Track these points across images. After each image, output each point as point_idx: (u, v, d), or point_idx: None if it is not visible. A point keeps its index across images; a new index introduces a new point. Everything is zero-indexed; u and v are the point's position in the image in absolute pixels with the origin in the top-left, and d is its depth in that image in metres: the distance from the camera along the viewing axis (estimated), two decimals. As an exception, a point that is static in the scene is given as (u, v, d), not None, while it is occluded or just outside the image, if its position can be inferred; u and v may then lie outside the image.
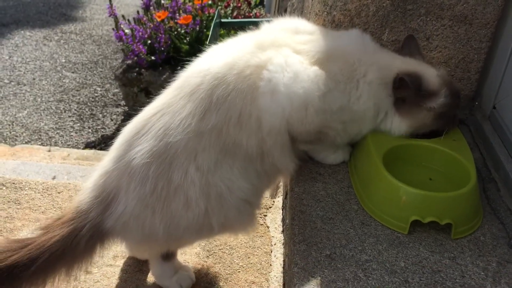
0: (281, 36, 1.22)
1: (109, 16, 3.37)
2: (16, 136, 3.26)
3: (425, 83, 1.21)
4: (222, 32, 3.04)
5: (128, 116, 3.57)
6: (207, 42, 2.62)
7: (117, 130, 3.43)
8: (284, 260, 1.47)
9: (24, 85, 3.83)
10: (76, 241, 1.11)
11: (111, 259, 1.43)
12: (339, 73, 1.17)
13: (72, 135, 3.38)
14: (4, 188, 1.65)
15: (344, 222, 1.16)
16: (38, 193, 1.63)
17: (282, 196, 1.74)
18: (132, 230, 1.13)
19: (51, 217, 1.17)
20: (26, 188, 1.65)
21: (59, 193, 1.64)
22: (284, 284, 1.39)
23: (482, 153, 1.40)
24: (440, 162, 1.24)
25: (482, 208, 1.21)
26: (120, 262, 1.42)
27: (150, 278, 1.38)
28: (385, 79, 1.21)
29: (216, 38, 2.72)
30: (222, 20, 3.02)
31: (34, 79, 3.92)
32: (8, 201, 1.59)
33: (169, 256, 1.30)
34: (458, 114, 1.30)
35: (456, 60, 1.42)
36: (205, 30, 3.28)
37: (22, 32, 4.65)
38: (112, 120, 3.58)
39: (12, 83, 3.83)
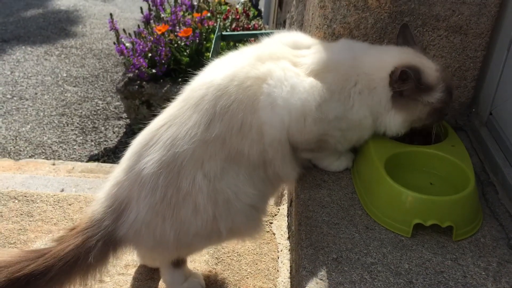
0: (279, 49, 1.27)
1: (110, 30, 3.43)
2: (20, 150, 3.29)
3: (424, 76, 1.23)
4: (222, 44, 3.10)
5: (130, 128, 3.62)
6: (210, 55, 2.68)
7: (120, 143, 3.47)
8: (291, 266, 1.51)
9: (27, 99, 3.87)
10: (90, 250, 1.16)
11: (123, 268, 1.47)
12: (333, 83, 1.22)
13: (75, 148, 3.41)
14: (16, 201, 1.69)
15: (349, 227, 1.20)
16: (50, 205, 1.67)
17: (287, 204, 1.78)
18: (144, 237, 1.18)
19: (65, 228, 1.21)
20: (38, 201, 1.69)
21: (70, 205, 1.68)
22: (291, 289, 1.43)
23: (480, 158, 1.45)
24: (440, 167, 1.29)
25: (482, 210, 1.26)
26: (132, 271, 1.46)
27: (161, 285, 1.42)
28: (374, 82, 1.24)
29: (218, 51, 2.78)
30: (223, 33, 3.08)
31: (36, 93, 3.97)
32: (21, 214, 1.63)
33: (179, 263, 1.34)
34: (448, 110, 1.32)
35: (453, 68, 1.47)
36: (204, 42, 3.34)
37: (23, 47, 4.70)
38: (114, 132, 3.62)
39: (15, 98, 3.88)
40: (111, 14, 3.50)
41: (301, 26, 1.84)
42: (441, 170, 1.29)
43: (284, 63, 1.21)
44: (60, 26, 5.25)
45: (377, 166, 1.23)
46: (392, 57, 1.27)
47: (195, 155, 1.14)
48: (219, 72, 1.21)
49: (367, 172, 1.28)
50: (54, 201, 1.70)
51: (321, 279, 1.07)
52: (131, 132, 3.48)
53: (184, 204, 1.14)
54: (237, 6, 4.28)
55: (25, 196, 1.71)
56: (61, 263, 1.13)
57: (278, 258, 1.55)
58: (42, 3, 5.89)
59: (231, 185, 1.16)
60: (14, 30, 5.07)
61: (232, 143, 1.15)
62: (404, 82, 1.22)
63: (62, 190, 1.90)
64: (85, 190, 1.96)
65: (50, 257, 1.13)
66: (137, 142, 1.23)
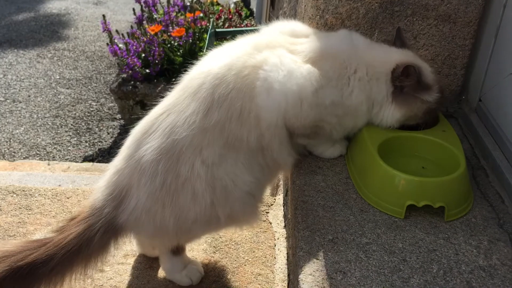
0: (276, 38, 1.30)
1: (103, 31, 3.44)
2: (14, 152, 3.29)
3: (423, 76, 1.29)
4: (215, 43, 3.13)
5: (124, 129, 3.62)
6: (204, 50, 2.70)
7: (114, 143, 3.48)
8: (287, 253, 1.54)
9: (20, 102, 3.87)
10: (92, 237, 1.17)
11: (122, 257, 1.49)
12: (330, 70, 1.25)
13: (69, 150, 3.42)
14: (14, 195, 1.70)
15: (344, 210, 1.23)
16: (48, 199, 1.69)
17: (282, 194, 1.81)
18: (144, 224, 1.20)
19: (65, 218, 1.22)
20: (36, 195, 1.70)
21: (68, 198, 1.69)
22: (288, 275, 1.46)
23: (470, 143, 1.49)
24: (432, 151, 1.33)
25: (473, 193, 1.29)
26: (131, 260, 1.48)
27: (161, 273, 1.44)
28: (377, 74, 1.29)
29: (212, 47, 2.80)
30: (217, 30, 3.11)
31: (29, 96, 3.97)
32: (20, 207, 1.64)
33: (178, 251, 1.37)
34: (438, 112, 1.39)
35: (443, 57, 1.51)
36: (197, 42, 3.37)
37: (15, 50, 4.69)
38: (108, 133, 3.63)
39: (8, 100, 3.87)
40: (103, 16, 3.52)
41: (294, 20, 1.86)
42: (433, 154, 1.33)
43: (280, 51, 1.24)
44: (52, 29, 5.25)
45: (371, 150, 1.26)
46: (395, 55, 1.32)
47: (194, 142, 1.16)
48: (217, 61, 1.24)
49: (361, 157, 1.32)
50: (52, 195, 1.71)
51: (317, 259, 1.09)
52: (126, 132, 3.47)
53: (183, 190, 1.16)
54: (231, 6, 4.31)
55: (23, 191, 1.72)
56: (63, 252, 1.15)
57: (275, 246, 1.58)
58: (33, 7, 5.89)
59: (229, 172, 1.18)
60: (6, 33, 5.07)
61: (231, 130, 1.18)
62: (407, 78, 1.27)
63: (59, 186, 1.91)
64: (82, 186, 1.97)
65: (52, 246, 1.15)
66: (136, 131, 1.25)
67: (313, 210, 1.22)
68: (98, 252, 1.21)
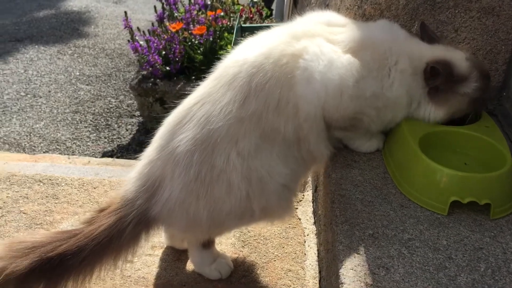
0: (314, 27, 1.27)
1: (125, 28, 3.44)
2: (34, 146, 3.30)
3: (456, 68, 1.24)
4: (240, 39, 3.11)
5: (142, 126, 3.62)
6: (232, 44, 2.68)
7: (133, 140, 3.48)
8: (318, 249, 1.50)
9: (40, 97, 3.89)
10: (123, 229, 1.15)
11: (150, 249, 1.46)
12: (371, 61, 1.21)
13: (89, 145, 3.42)
14: (41, 184, 1.69)
15: (383, 205, 1.18)
16: (75, 188, 1.67)
17: (311, 190, 1.77)
18: (177, 216, 1.16)
19: (93, 210, 1.20)
20: (63, 184, 1.69)
21: (94, 188, 1.67)
22: (320, 271, 1.42)
23: None
24: (475, 147, 1.27)
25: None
26: (159, 252, 1.45)
27: (189, 266, 1.41)
28: (416, 69, 1.25)
29: (238, 42, 2.79)
30: (242, 25, 3.09)
31: (49, 91, 3.99)
32: (46, 196, 1.63)
33: (208, 244, 1.33)
34: (488, 96, 1.32)
35: (484, 51, 1.46)
36: (218, 40, 3.35)
37: (36, 46, 4.73)
38: (127, 130, 3.62)
39: (28, 95, 3.90)
40: (125, 12, 3.52)
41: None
42: (476, 150, 1.28)
43: (319, 40, 1.20)
44: (73, 26, 5.28)
45: (411, 144, 1.21)
46: (425, 51, 1.27)
47: (229, 132, 1.12)
48: (253, 50, 1.21)
49: (401, 151, 1.27)
50: (79, 184, 1.69)
51: (358, 253, 1.05)
52: (144, 129, 3.49)
53: (218, 182, 1.13)
54: (250, 5, 4.29)
55: (50, 180, 1.71)
56: (94, 243, 1.12)
57: (305, 242, 1.54)
58: (54, 4, 5.95)
59: (265, 164, 1.15)
60: (27, 30, 5.11)
61: (268, 120, 1.14)
62: (436, 78, 1.22)
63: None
64: (106, 178, 1.95)
65: (83, 237, 1.13)
66: (169, 121, 1.22)
67: (351, 204, 1.18)
68: (129, 244, 1.18)
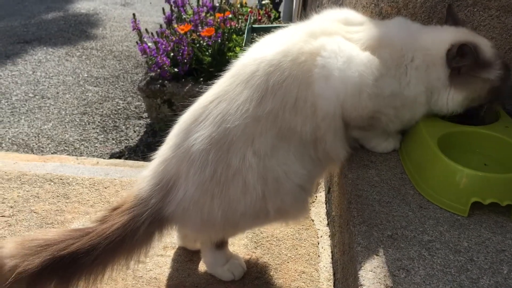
0: (331, 25, 1.25)
1: (133, 30, 3.44)
2: (43, 147, 3.30)
3: (482, 53, 1.20)
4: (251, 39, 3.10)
5: (150, 128, 3.61)
6: (244, 44, 2.67)
7: (140, 141, 3.47)
8: (332, 251, 1.47)
9: (48, 98, 3.90)
10: (137, 228, 1.13)
11: (162, 249, 1.44)
12: (390, 59, 1.19)
13: (96, 146, 3.42)
14: (52, 183, 1.68)
15: (401, 206, 1.16)
16: (85, 188, 1.65)
17: (324, 191, 1.74)
18: (191, 216, 1.15)
19: (107, 208, 1.18)
20: (73, 184, 1.67)
21: (105, 188, 1.66)
22: (334, 274, 1.39)
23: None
24: (494, 148, 1.25)
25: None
26: (171, 253, 1.43)
27: (201, 267, 1.39)
28: (433, 58, 1.22)
29: (250, 42, 2.78)
30: (253, 26, 3.09)
31: (57, 93, 3.99)
32: (57, 196, 1.61)
33: (221, 244, 1.32)
34: (506, 89, 1.28)
35: (503, 50, 1.43)
36: (226, 42, 3.34)
37: (44, 48, 4.75)
38: (135, 131, 3.62)
39: (37, 97, 3.90)
40: (134, 14, 3.52)
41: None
42: (495, 151, 1.25)
43: (337, 38, 1.18)
44: (81, 29, 5.30)
45: (430, 144, 1.19)
46: (448, 35, 1.24)
47: (246, 131, 1.10)
48: (270, 48, 1.19)
49: (419, 151, 1.25)
50: (90, 184, 1.68)
51: (377, 255, 1.03)
52: (152, 131, 3.49)
53: (233, 181, 1.11)
54: (258, 7, 4.29)
55: (61, 179, 1.69)
56: (107, 242, 1.10)
57: (319, 243, 1.52)
58: (62, 7, 5.97)
59: (281, 164, 1.13)
60: (36, 31, 5.13)
61: (285, 119, 1.12)
62: (463, 58, 1.19)
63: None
64: (117, 178, 1.93)
65: (95, 236, 1.11)
66: (184, 119, 1.20)
67: (368, 205, 1.16)
68: (142, 244, 1.16)
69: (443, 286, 0.95)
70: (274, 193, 1.14)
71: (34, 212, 1.54)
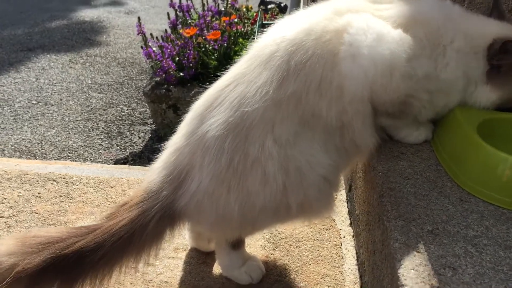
0: (358, 3, 1.15)
1: (138, 34, 3.37)
2: (46, 153, 3.22)
3: None
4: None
5: (155, 134, 3.53)
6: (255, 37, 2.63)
7: (145, 147, 3.38)
8: (357, 253, 1.36)
9: (52, 105, 3.83)
10: (146, 224, 1.03)
11: (172, 251, 1.33)
12: (424, 38, 1.09)
13: (100, 152, 3.33)
14: (55, 183, 1.57)
15: (440, 199, 1.05)
16: (90, 187, 1.55)
17: (345, 190, 1.63)
18: (205, 210, 1.04)
19: (116, 205, 1.08)
20: (78, 183, 1.57)
21: (111, 187, 1.55)
22: (361, 276, 1.28)
23: None
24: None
25: None
26: (182, 255, 1.32)
27: (216, 270, 1.28)
28: (475, 48, 1.12)
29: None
30: (263, 22, 3.04)
31: (61, 99, 3.93)
32: (60, 195, 1.51)
33: (238, 244, 1.21)
34: None
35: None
36: (233, 46, 3.27)
37: (48, 56, 4.70)
38: (139, 138, 3.54)
39: (40, 103, 3.84)
40: (138, 18, 3.45)
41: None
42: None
43: (365, 15, 1.09)
44: (85, 36, 5.25)
45: (469, 132, 1.08)
46: (492, 27, 1.14)
47: (265, 116, 1.00)
48: (291, 28, 1.09)
49: (456, 140, 1.14)
50: (95, 183, 1.57)
51: (418, 252, 0.91)
52: (157, 137, 3.40)
53: (252, 172, 1.01)
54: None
55: (64, 178, 1.59)
56: (114, 239, 1.00)
57: (341, 244, 1.40)
58: (66, 15, 5.94)
59: (305, 153, 1.02)
60: (39, 39, 5.08)
61: (308, 103, 1.02)
62: (505, 55, 1.09)
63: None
64: (123, 177, 1.83)
65: (101, 233, 1.01)
66: (198, 105, 1.10)
67: (403, 198, 1.05)
68: (152, 241, 1.06)
69: (495, 286, 0.84)
70: (297, 185, 1.03)
71: (36, 213, 1.44)
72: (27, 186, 1.56)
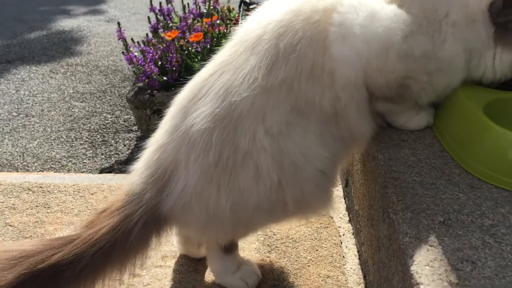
0: None
1: (119, 39, 3.27)
2: (28, 166, 3.09)
3: None
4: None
5: (141, 141, 3.42)
6: (240, 21, 2.55)
7: (131, 155, 3.27)
8: (358, 251, 1.27)
9: (33, 116, 3.72)
10: (129, 231, 0.93)
11: (160, 259, 1.23)
12: (420, 13, 1.00)
13: (85, 162, 3.21)
14: (30, 192, 1.46)
15: (449, 187, 0.96)
16: (69, 195, 1.44)
17: (341, 185, 1.54)
18: (194, 211, 0.94)
19: (96, 211, 0.98)
20: (55, 191, 1.46)
21: (92, 194, 1.44)
22: (364, 276, 1.18)
23: None
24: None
25: None
26: (171, 263, 1.22)
27: (208, 277, 1.18)
28: (471, 15, 1.03)
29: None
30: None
31: (42, 110, 3.82)
32: (37, 206, 1.40)
33: (231, 248, 1.11)
34: None
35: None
36: (216, 47, 3.18)
37: (27, 67, 4.58)
38: (125, 145, 3.43)
39: (21, 115, 3.72)
40: (118, 23, 3.35)
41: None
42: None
43: None
44: (65, 46, 5.13)
45: (476, 113, 1.00)
46: None
47: (255, 105, 0.92)
48: (277, 9, 1.00)
49: (462, 123, 1.06)
50: (74, 191, 1.46)
51: (431, 245, 0.83)
52: (143, 144, 3.30)
53: (243, 167, 0.92)
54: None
55: (41, 187, 1.48)
56: (94, 250, 0.90)
57: (341, 243, 1.31)
58: (45, 25, 5.81)
59: (299, 145, 0.94)
60: (18, 51, 4.96)
61: (301, 90, 0.93)
62: (511, 9, 1.00)
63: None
64: (105, 182, 1.71)
65: (80, 244, 0.91)
66: (181, 98, 1.02)
67: (409, 188, 0.96)
68: (137, 250, 0.96)
69: (521, 279, 0.75)
70: (292, 180, 0.94)
71: (10, 225, 1.32)
72: (0, 198, 1.44)
